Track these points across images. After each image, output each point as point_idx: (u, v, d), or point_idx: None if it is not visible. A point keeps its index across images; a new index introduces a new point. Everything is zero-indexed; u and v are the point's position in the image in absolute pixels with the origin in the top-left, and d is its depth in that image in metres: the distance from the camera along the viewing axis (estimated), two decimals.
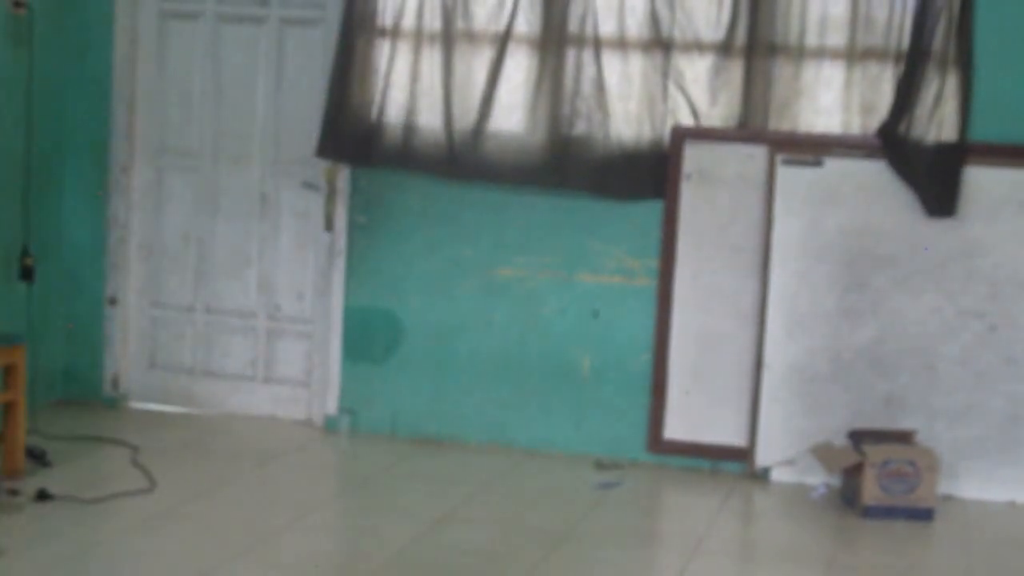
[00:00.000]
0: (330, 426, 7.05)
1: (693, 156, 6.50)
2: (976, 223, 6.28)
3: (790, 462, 6.45)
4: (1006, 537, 5.91)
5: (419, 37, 6.68)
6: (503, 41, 6.58)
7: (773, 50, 6.39)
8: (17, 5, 6.65)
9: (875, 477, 5.96)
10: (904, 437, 6.19)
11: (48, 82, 6.98)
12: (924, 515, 5.98)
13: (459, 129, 6.64)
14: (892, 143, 6.27)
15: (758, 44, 6.37)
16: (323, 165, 6.93)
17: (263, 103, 7.11)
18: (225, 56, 7.15)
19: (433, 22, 6.66)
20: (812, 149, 6.38)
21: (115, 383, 7.34)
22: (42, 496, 5.59)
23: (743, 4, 6.37)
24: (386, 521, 5.69)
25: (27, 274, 6.75)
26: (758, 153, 6.46)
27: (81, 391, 7.31)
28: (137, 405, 7.33)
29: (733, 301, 6.56)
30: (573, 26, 6.53)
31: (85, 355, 7.32)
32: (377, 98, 6.74)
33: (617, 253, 6.66)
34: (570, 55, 6.54)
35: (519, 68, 6.62)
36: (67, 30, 7.11)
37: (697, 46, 6.46)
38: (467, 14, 6.64)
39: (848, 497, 6.15)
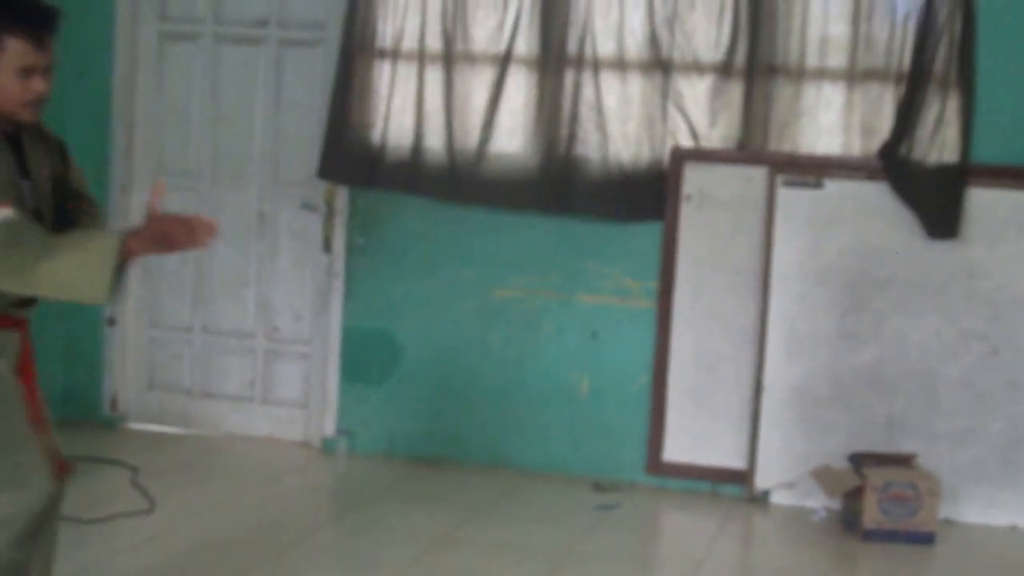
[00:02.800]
0: (328, 447, 7.03)
1: (693, 177, 6.49)
2: (978, 245, 6.27)
3: (790, 485, 6.43)
4: (1007, 562, 5.89)
5: (419, 59, 6.68)
6: (504, 63, 6.58)
7: (773, 71, 6.39)
8: None
9: (876, 500, 5.94)
10: (905, 460, 6.17)
11: (48, 102, 6.95)
12: (925, 539, 5.95)
13: (460, 151, 6.65)
14: (893, 164, 6.26)
15: (758, 65, 6.37)
16: (322, 186, 6.93)
17: (262, 124, 7.11)
18: (224, 77, 7.15)
19: (433, 44, 6.67)
20: (812, 170, 6.38)
21: (114, 404, 7.32)
22: None
23: (743, 25, 6.37)
24: (384, 543, 5.67)
25: None
26: (758, 174, 6.45)
27: (80, 411, 7.30)
28: (136, 426, 7.32)
29: (733, 323, 6.54)
30: (572, 47, 6.53)
31: (84, 376, 7.31)
32: (378, 120, 6.74)
33: (616, 274, 6.65)
34: (569, 76, 6.54)
35: (519, 90, 6.62)
36: (66, 51, 7.05)
37: (697, 67, 6.46)
38: (467, 36, 6.64)
39: (848, 521, 6.13)
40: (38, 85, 3.65)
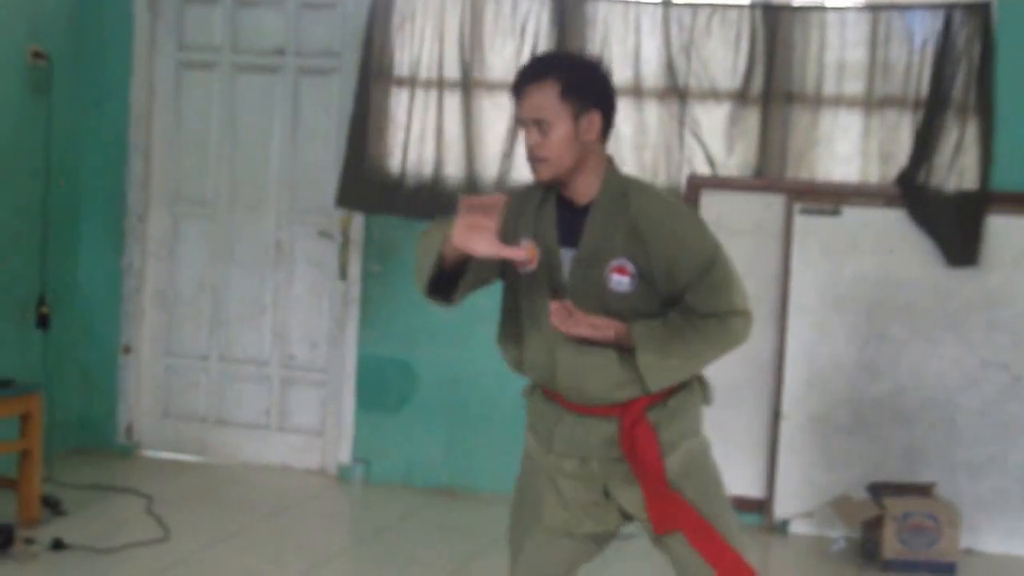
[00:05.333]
0: (344, 475, 7.01)
1: (710, 205, 6.47)
2: (997, 273, 6.24)
3: (809, 515, 6.39)
4: None
5: (438, 87, 6.69)
6: None
7: (790, 98, 6.38)
8: (37, 56, 6.68)
9: (895, 531, 5.90)
10: (925, 490, 6.13)
11: (66, 132, 7.00)
12: (945, 569, 5.91)
13: (480, 179, 6.64)
14: (911, 192, 6.24)
15: (775, 92, 6.36)
16: (338, 214, 6.93)
17: (278, 152, 7.12)
18: (241, 105, 7.17)
19: (451, 72, 6.68)
20: (830, 198, 6.36)
21: (129, 432, 7.31)
22: (57, 545, 5.58)
23: (759, 52, 6.37)
24: (400, 572, 5.65)
25: (43, 323, 6.75)
26: (775, 202, 6.43)
27: (96, 440, 7.29)
28: (151, 454, 7.31)
29: (750, 351, 6.45)
30: None
31: (100, 404, 7.31)
32: (395, 147, 6.74)
33: None
34: None
35: None
36: (85, 81, 7.14)
37: (713, 94, 6.45)
38: (484, 64, 6.65)
39: (868, 551, 6.08)
40: (527, 138, 3.48)
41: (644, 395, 3.50)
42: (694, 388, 3.64)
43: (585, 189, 3.49)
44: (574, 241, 3.49)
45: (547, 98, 3.40)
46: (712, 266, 3.46)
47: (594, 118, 3.44)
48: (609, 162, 3.53)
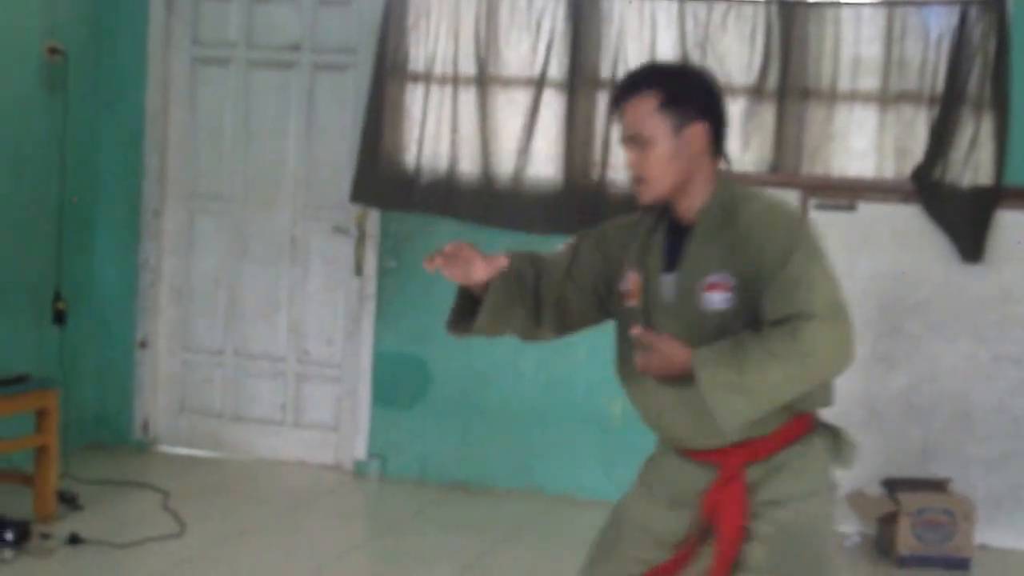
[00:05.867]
0: (359, 471, 7.02)
1: None
2: (1013, 268, 6.22)
3: None
4: None
5: (453, 82, 6.69)
6: (538, 87, 6.58)
7: (805, 94, 6.37)
8: (53, 52, 6.69)
9: (910, 526, 5.90)
10: (939, 486, 6.13)
11: (82, 127, 7.01)
12: (960, 565, 5.90)
13: (495, 175, 6.64)
14: (927, 187, 6.23)
15: (790, 88, 6.35)
16: (353, 210, 6.93)
17: (294, 148, 7.13)
18: (256, 101, 7.17)
19: (466, 67, 6.68)
20: (845, 193, 6.35)
21: (145, 427, 7.33)
22: (74, 540, 5.60)
23: (775, 47, 6.36)
24: (414, 568, 5.66)
25: (59, 318, 6.77)
26: (790, 198, 6.42)
27: (112, 435, 7.31)
28: (167, 449, 7.33)
29: None
30: (605, 71, 6.53)
31: (116, 399, 7.33)
32: (411, 143, 6.75)
33: None
34: (601, 100, 6.53)
35: (552, 114, 6.61)
36: (101, 77, 7.15)
37: (729, 90, 6.43)
38: (499, 60, 6.65)
39: (882, 546, 6.08)
40: (628, 158, 3.25)
41: (735, 441, 3.13)
42: (813, 443, 3.22)
43: (694, 208, 3.22)
44: (676, 265, 3.20)
45: (644, 112, 3.17)
46: (789, 259, 3.06)
47: (697, 130, 3.19)
48: (721, 176, 3.25)
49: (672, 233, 3.24)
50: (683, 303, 3.15)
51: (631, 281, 3.24)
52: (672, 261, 3.20)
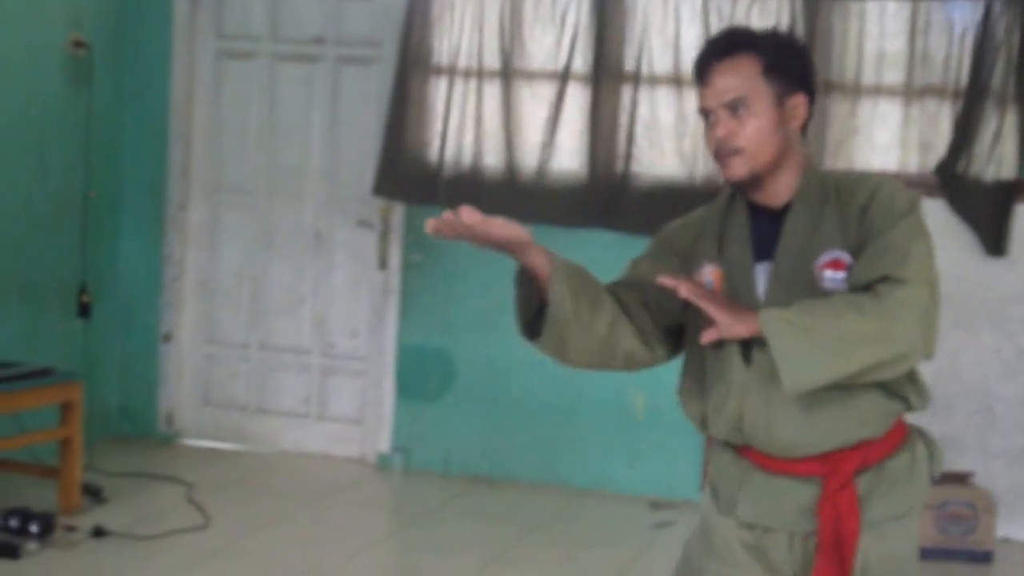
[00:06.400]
0: (383, 464, 7.04)
1: None
2: None
3: None
4: None
5: (477, 76, 6.70)
6: (562, 80, 6.59)
7: (829, 87, 6.36)
8: (77, 45, 6.72)
9: (932, 519, 5.89)
10: (962, 479, 6.12)
11: (106, 121, 7.04)
12: (982, 558, 5.90)
13: (519, 168, 6.65)
14: (950, 181, 6.21)
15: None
16: (377, 203, 6.95)
17: (318, 141, 7.14)
18: (281, 95, 7.19)
19: (490, 61, 6.68)
20: None
21: (169, 420, 7.36)
22: (98, 532, 5.62)
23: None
24: (439, 560, 5.67)
25: (84, 311, 6.80)
26: None
27: (136, 428, 7.34)
28: (191, 442, 7.35)
29: None
30: (629, 64, 6.53)
31: (140, 392, 7.36)
32: (434, 137, 6.76)
33: None
34: (626, 93, 6.54)
35: (576, 107, 6.61)
36: (125, 70, 7.18)
37: None
38: (523, 53, 6.66)
39: None
40: (715, 130, 2.88)
41: (851, 444, 2.84)
42: (917, 449, 2.95)
43: (784, 190, 2.89)
44: (771, 252, 2.89)
45: (747, 76, 2.82)
46: (894, 225, 2.78)
47: (799, 101, 2.87)
48: (808, 158, 2.94)
49: (757, 220, 2.92)
50: (793, 289, 2.82)
51: (712, 274, 2.92)
52: (764, 249, 2.89)
